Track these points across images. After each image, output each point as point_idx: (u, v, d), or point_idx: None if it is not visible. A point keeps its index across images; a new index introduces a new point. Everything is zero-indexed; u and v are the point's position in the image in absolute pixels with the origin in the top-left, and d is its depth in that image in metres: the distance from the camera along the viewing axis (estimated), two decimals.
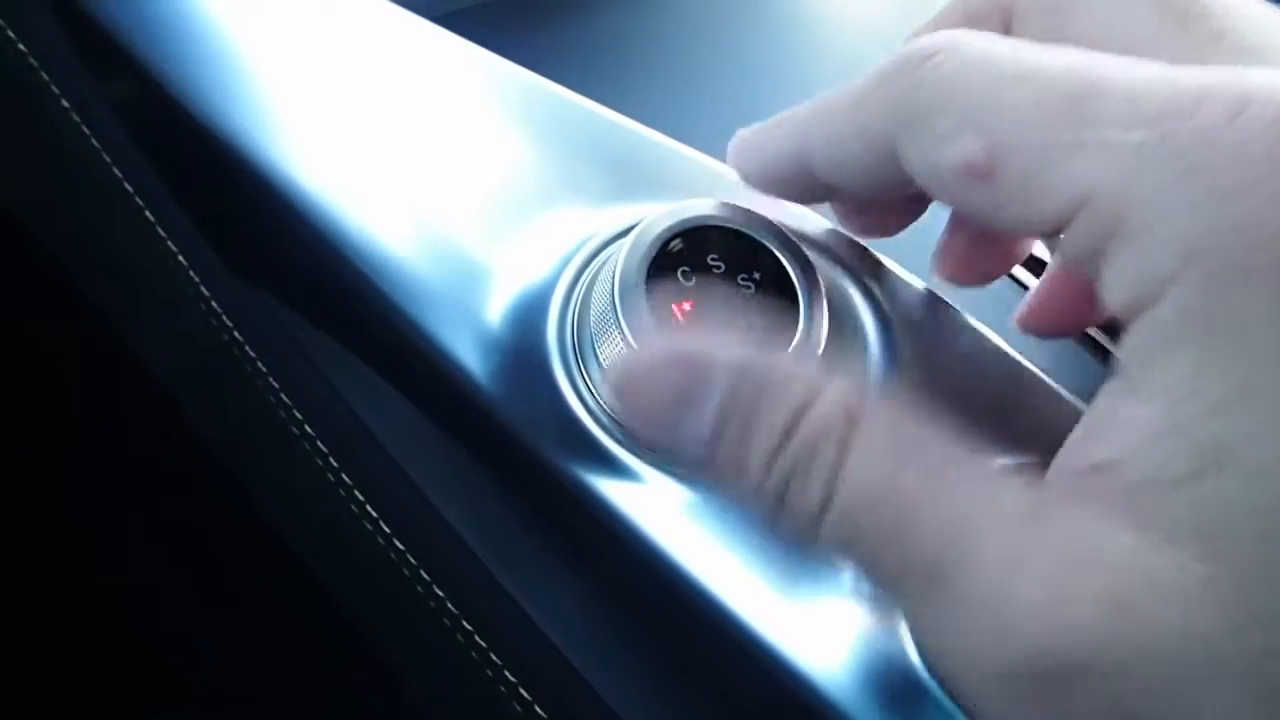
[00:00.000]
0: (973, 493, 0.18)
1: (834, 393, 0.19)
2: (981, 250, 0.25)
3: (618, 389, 0.21)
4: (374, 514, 0.31)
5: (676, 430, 0.20)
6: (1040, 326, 0.26)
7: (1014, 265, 0.26)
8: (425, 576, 0.30)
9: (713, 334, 0.21)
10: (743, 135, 0.25)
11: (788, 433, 0.19)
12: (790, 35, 0.43)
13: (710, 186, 0.29)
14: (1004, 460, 0.24)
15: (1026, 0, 0.21)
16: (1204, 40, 0.19)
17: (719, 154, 0.30)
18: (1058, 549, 0.17)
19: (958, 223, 0.25)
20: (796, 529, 0.19)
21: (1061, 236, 0.18)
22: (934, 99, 0.19)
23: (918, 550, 0.18)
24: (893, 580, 0.19)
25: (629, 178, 0.29)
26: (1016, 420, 0.25)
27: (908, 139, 0.19)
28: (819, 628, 0.24)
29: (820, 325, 0.24)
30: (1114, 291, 0.17)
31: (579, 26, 0.41)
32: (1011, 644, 0.17)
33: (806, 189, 0.23)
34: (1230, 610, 0.16)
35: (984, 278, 0.26)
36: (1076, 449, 0.18)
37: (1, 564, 0.55)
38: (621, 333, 0.24)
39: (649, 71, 0.40)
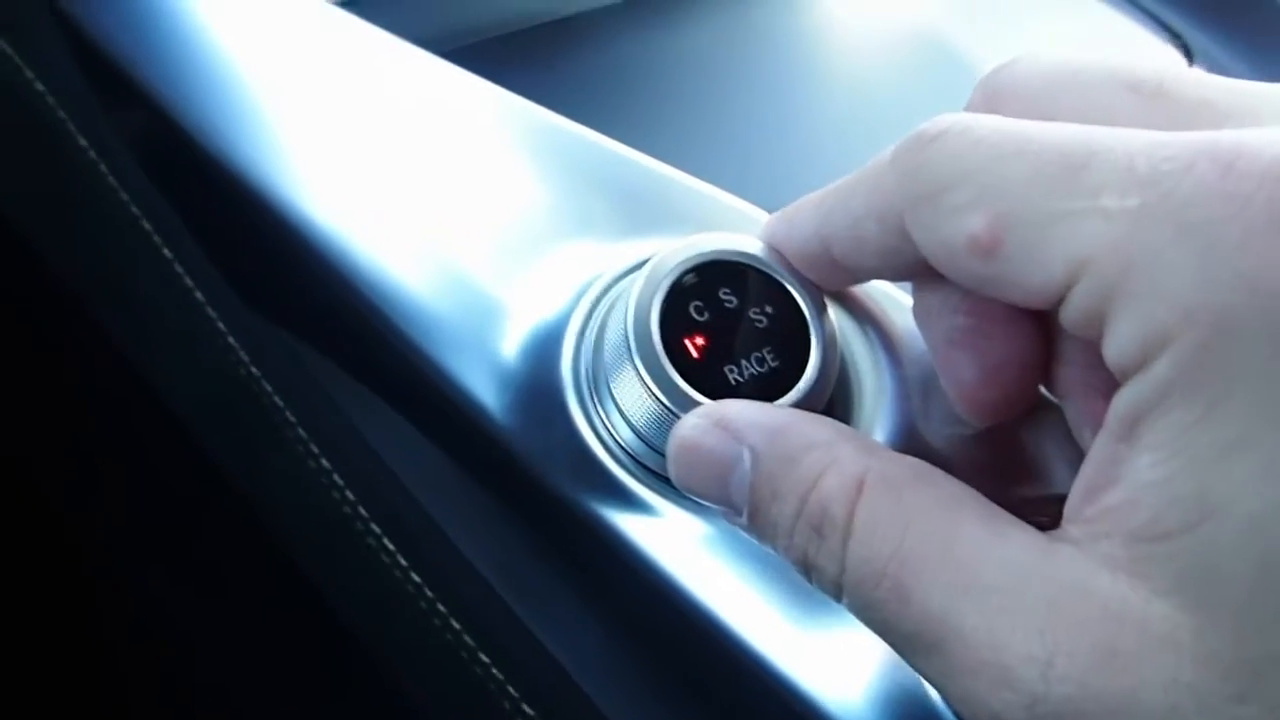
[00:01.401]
0: (977, 552, 0.18)
1: (846, 461, 0.20)
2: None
3: (670, 457, 0.22)
4: (391, 546, 0.31)
5: (721, 493, 0.21)
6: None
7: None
8: (442, 609, 0.30)
9: (745, 401, 0.22)
10: (772, 219, 0.25)
11: (803, 502, 0.20)
12: (800, 68, 0.43)
13: (723, 221, 0.29)
14: (1024, 492, 0.24)
15: (1010, 96, 0.21)
16: (1189, 110, 0.19)
17: (731, 188, 0.30)
18: (1057, 599, 0.17)
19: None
20: (825, 591, 0.20)
21: (1063, 304, 0.18)
22: (940, 176, 0.19)
23: (922, 619, 0.18)
24: (901, 649, 0.19)
25: (641, 212, 0.29)
26: (1041, 456, 0.25)
27: (916, 217, 0.20)
28: (834, 660, 0.24)
29: (833, 361, 0.24)
30: (1114, 352, 0.17)
31: (589, 62, 0.41)
32: (1008, 696, 0.17)
33: (831, 271, 0.24)
34: (1218, 661, 0.16)
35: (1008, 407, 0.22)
36: (1078, 496, 0.18)
37: (13, 585, 0.55)
38: (635, 367, 0.24)
39: (661, 106, 0.40)
